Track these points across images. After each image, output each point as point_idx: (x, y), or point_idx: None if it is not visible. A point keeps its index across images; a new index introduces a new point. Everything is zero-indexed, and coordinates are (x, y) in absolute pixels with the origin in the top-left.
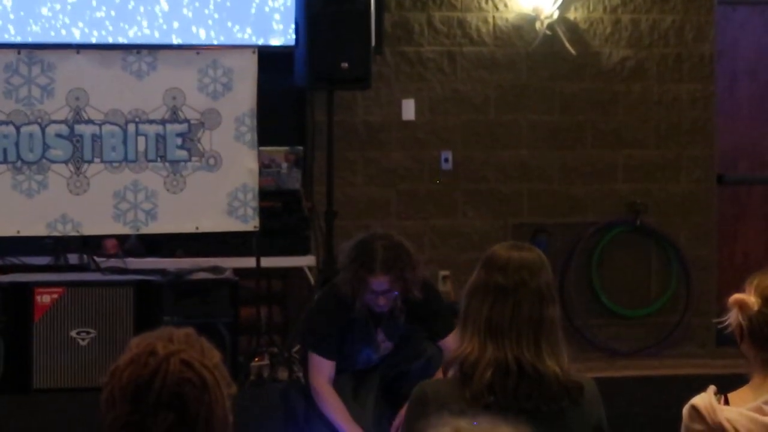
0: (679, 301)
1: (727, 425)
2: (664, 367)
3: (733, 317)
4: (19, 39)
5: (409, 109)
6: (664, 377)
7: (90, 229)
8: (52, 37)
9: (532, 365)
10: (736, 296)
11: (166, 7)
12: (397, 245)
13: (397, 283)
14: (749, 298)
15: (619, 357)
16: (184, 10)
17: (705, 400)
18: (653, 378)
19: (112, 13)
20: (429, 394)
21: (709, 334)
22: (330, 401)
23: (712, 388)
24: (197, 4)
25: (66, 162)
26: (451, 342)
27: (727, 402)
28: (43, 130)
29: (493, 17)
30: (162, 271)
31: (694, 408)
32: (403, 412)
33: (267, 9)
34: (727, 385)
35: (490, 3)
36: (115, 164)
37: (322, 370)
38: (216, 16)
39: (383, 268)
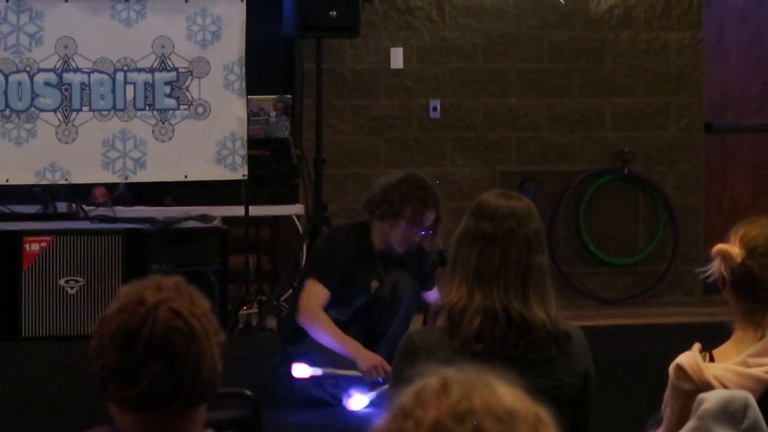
0: (666, 249)
1: (714, 382)
2: (651, 315)
3: (716, 267)
4: None
5: (397, 58)
6: (651, 325)
7: (79, 178)
8: None
9: (520, 313)
10: (720, 246)
11: None
12: (431, 184)
13: (436, 221)
14: (733, 248)
15: (606, 305)
16: None
17: (690, 358)
18: (640, 326)
19: None
20: (417, 342)
21: (696, 282)
22: (323, 321)
23: (696, 346)
24: None
25: (55, 110)
26: (432, 296)
27: (712, 359)
28: (31, 78)
29: None
30: (151, 220)
31: (679, 367)
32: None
33: None
34: (715, 334)
35: None
36: (103, 113)
37: (318, 296)
38: None
39: (435, 203)
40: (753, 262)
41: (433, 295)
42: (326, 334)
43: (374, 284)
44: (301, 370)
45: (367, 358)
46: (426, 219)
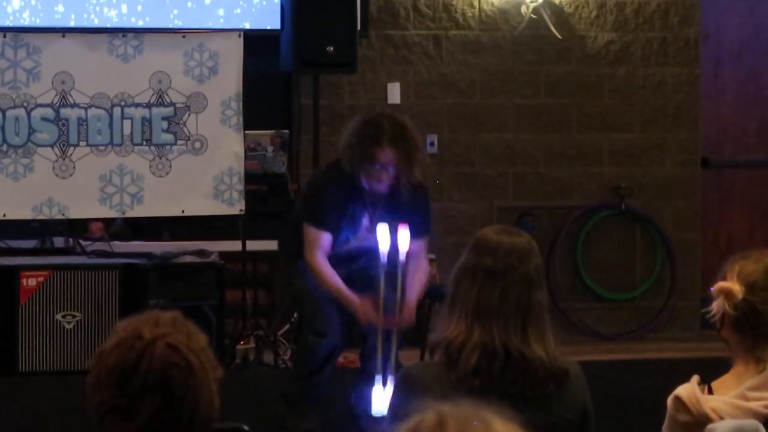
0: (663, 285)
1: (712, 415)
2: (649, 350)
3: (717, 305)
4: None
5: (394, 93)
6: (649, 361)
7: (76, 213)
8: (37, 21)
9: (519, 350)
10: (720, 285)
11: None
12: (403, 123)
13: (401, 160)
14: (733, 286)
15: (604, 340)
16: None
17: (689, 390)
18: (638, 361)
19: None
20: (414, 377)
21: (693, 317)
22: (326, 272)
23: (695, 378)
24: None
25: (52, 145)
26: (416, 249)
27: (710, 391)
28: (29, 113)
29: (479, 1)
30: (148, 255)
31: (678, 399)
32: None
33: None
34: (712, 369)
35: None
36: (101, 148)
37: (315, 242)
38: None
39: (390, 141)
40: (754, 297)
41: (414, 246)
42: (331, 285)
43: (365, 221)
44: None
45: (362, 312)
46: (382, 155)
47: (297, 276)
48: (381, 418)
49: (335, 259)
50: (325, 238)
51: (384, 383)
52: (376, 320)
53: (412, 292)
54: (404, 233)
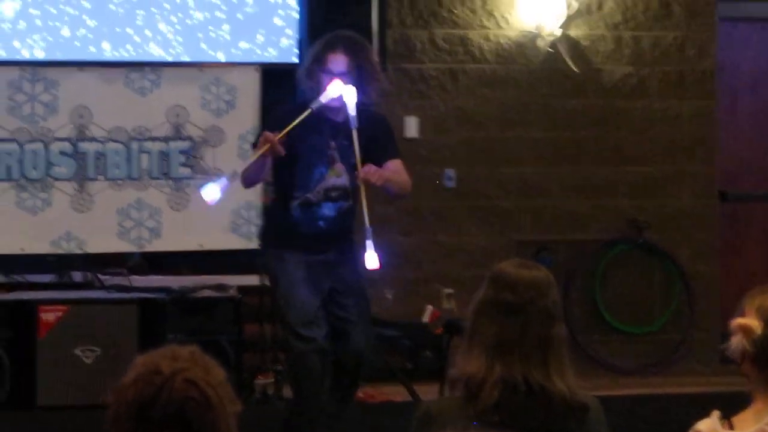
0: (682, 318)
1: None
2: (667, 384)
3: (736, 342)
4: (25, 55)
5: (411, 127)
6: (667, 395)
7: (94, 247)
8: (55, 54)
9: (540, 384)
10: (739, 321)
11: (168, 23)
12: (362, 41)
13: (354, 69)
14: (752, 321)
15: (621, 374)
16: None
17: (709, 425)
18: (657, 396)
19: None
20: (433, 413)
21: (712, 351)
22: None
23: (716, 413)
24: (201, 18)
25: (70, 179)
26: (395, 167)
27: (731, 426)
28: (46, 147)
29: (495, 35)
30: (166, 289)
31: None
32: None
33: (271, 26)
34: (731, 404)
35: (492, 20)
36: (119, 182)
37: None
38: (222, 33)
39: (344, 47)
40: None
41: (391, 166)
42: (246, 168)
43: (333, 150)
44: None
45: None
46: (334, 61)
47: (262, 266)
48: None
49: (316, 199)
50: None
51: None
52: (274, 141)
53: (387, 166)
54: (350, 91)
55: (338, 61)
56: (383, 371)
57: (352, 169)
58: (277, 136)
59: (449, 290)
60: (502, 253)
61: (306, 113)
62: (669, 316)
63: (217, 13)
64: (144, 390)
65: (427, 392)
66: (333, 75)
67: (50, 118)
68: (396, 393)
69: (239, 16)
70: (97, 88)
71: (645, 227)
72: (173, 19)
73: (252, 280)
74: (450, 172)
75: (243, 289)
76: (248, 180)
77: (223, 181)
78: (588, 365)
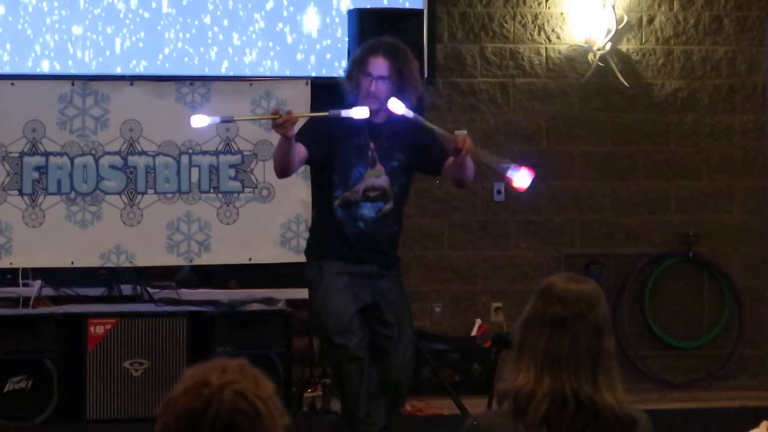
0: (731, 333)
1: None
2: (717, 399)
3: None
4: (73, 71)
5: None
6: (717, 409)
7: (143, 260)
8: (106, 68)
9: (590, 398)
10: None
11: (221, 37)
12: (404, 48)
13: (394, 74)
14: None
15: (671, 388)
16: (236, 40)
17: None
18: (706, 410)
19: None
20: (481, 427)
21: (762, 365)
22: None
23: (764, 423)
24: (253, 34)
25: (120, 193)
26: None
27: None
28: (96, 161)
29: (546, 49)
30: (215, 302)
31: None
32: None
33: (323, 42)
34: None
35: (542, 35)
36: (168, 195)
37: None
38: (275, 48)
39: (385, 51)
40: None
41: (448, 166)
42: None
43: (373, 151)
44: (198, 120)
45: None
46: (375, 64)
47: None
48: None
49: (354, 198)
50: (302, 154)
51: None
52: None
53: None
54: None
55: (379, 64)
56: (432, 385)
57: (392, 171)
58: (294, 116)
59: (498, 304)
60: (551, 266)
61: (323, 113)
62: (719, 331)
63: (273, 28)
64: (193, 402)
65: (476, 406)
66: (372, 78)
67: (100, 132)
68: (444, 406)
69: (292, 33)
70: (148, 102)
71: (695, 241)
72: (221, 35)
73: (301, 293)
74: (499, 185)
75: (292, 303)
76: (275, 166)
77: (216, 119)
78: (637, 379)
